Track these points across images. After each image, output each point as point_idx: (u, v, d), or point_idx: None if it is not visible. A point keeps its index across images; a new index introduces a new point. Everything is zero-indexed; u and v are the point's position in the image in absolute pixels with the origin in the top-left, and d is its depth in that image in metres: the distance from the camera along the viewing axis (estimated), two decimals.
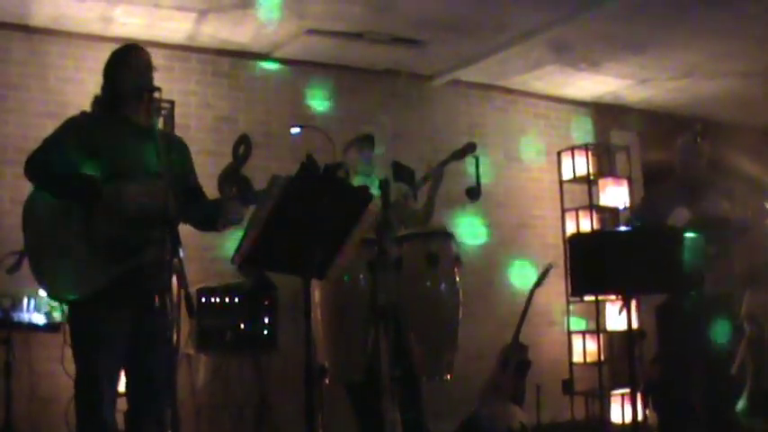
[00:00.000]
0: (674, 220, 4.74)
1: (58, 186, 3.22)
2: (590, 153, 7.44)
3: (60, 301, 3.33)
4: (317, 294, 4.49)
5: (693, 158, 4.91)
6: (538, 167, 7.73)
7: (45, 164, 3.22)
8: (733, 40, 6.40)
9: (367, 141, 5.16)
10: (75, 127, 3.34)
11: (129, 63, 3.40)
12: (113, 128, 3.35)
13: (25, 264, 3.31)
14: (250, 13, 5.67)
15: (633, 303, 4.70)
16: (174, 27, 5.87)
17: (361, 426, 4.67)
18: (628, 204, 7.41)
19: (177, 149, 3.53)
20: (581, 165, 7.41)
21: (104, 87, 3.45)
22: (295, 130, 6.02)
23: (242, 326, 5.22)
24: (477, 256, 6.92)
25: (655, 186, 5.39)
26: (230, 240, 3.17)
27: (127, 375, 3.35)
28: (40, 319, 4.96)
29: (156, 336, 3.11)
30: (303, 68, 6.69)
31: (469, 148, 4.83)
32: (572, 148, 7.52)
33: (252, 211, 3.15)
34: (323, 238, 3.16)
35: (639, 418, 4.35)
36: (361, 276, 4.29)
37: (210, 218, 3.42)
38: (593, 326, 7.21)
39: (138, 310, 3.21)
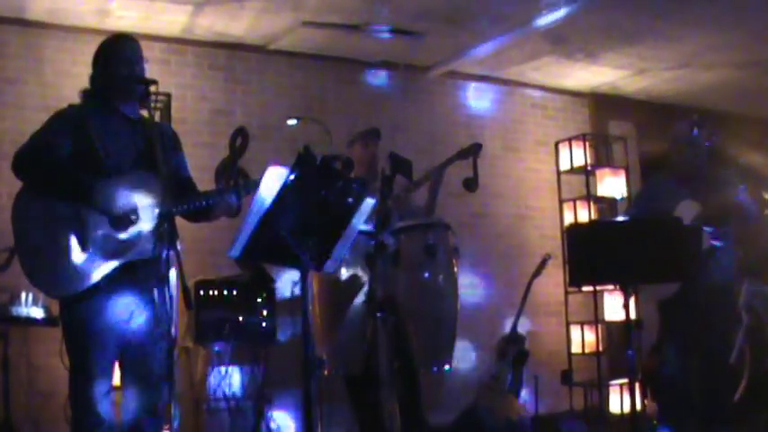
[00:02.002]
0: (681, 214, 4.68)
1: (50, 185, 3.17)
2: (587, 143, 7.43)
3: (54, 297, 3.29)
4: (314, 287, 4.49)
5: (691, 149, 4.85)
6: (535, 158, 7.73)
7: (35, 161, 3.17)
8: (729, 32, 6.40)
9: (372, 135, 5.11)
10: (64, 120, 3.28)
11: (119, 53, 3.34)
12: (104, 120, 3.29)
13: (17, 259, 3.26)
14: (246, 5, 5.66)
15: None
16: (170, 20, 5.86)
17: (358, 418, 4.67)
18: (625, 195, 7.40)
19: (168, 140, 3.46)
20: (578, 155, 7.41)
21: (94, 78, 3.39)
22: (292, 121, 6.01)
23: (240, 318, 5.22)
24: (475, 248, 6.91)
25: (652, 179, 5.32)
26: (228, 233, 3.16)
27: (122, 369, 3.32)
28: (38, 313, 4.95)
29: (153, 329, 3.11)
30: (300, 60, 6.69)
31: (475, 149, 4.70)
32: (569, 139, 7.50)
33: (249, 203, 3.14)
34: (320, 230, 3.16)
35: (638, 408, 4.35)
36: (359, 268, 4.29)
37: (205, 209, 3.39)
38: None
39: (135, 304, 3.21)
